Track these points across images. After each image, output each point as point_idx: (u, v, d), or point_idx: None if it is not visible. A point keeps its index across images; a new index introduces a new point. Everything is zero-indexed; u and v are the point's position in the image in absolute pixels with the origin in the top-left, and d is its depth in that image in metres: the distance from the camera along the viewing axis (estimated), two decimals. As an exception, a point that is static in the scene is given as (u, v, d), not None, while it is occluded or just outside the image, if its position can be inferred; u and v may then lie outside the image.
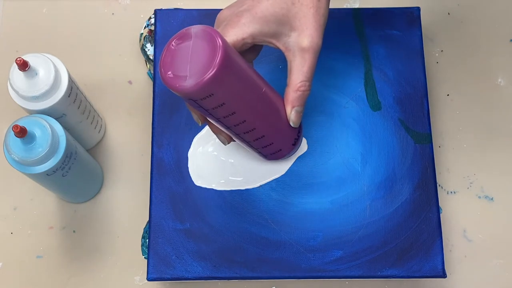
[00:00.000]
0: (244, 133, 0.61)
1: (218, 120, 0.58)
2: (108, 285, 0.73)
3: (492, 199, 0.75)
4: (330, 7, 0.61)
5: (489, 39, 0.80)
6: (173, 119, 0.70)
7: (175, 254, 0.66)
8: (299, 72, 0.59)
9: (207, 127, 0.69)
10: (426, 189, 0.68)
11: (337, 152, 0.69)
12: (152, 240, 0.66)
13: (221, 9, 0.62)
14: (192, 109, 0.60)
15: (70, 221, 0.75)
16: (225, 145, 0.64)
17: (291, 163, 0.69)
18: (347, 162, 0.69)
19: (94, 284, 0.73)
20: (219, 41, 0.53)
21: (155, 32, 0.73)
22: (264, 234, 0.67)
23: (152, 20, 0.78)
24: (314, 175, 0.68)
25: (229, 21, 0.58)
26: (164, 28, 0.73)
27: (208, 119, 0.60)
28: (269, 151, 0.65)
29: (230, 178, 0.68)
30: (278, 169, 0.68)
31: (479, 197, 0.75)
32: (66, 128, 0.66)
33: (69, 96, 0.66)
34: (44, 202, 0.76)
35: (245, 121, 0.59)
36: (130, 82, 0.80)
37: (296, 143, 0.65)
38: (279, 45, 0.59)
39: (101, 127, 0.76)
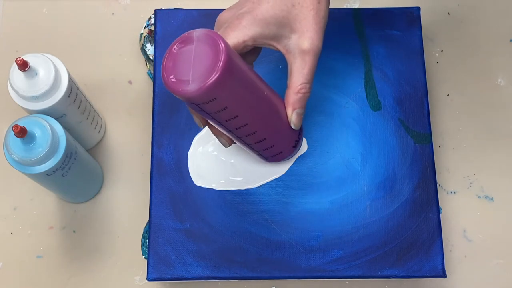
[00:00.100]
0: (246, 136, 0.61)
1: (220, 123, 0.58)
2: (108, 285, 0.73)
3: (492, 199, 0.75)
4: (330, 7, 0.61)
5: (489, 39, 0.81)
6: (173, 119, 0.70)
7: (175, 254, 0.66)
8: (299, 74, 0.59)
9: (207, 127, 0.69)
10: (426, 189, 0.68)
11: (337, 152, 0.69)
12: (152, 240, 0.66)
13: (221, 9, 0.62)
14: (193, 112, 0.60)
15: (70, 221, 0.75)
16: (226, 147, 0.64)
17: (291, 163, 0.69)
18: (347, 162, 0.69)
19: (94, 284, 0.73)
20: (222, 44, 0.53)
21: (155, 32, 0.73)
22: (264, 234, 0.67)
23: (152, 20, 0.78)
24: (314, 175, 0.68)
25: (229, 23, 0.58)
26: (164, 28, 0.73)
27: (210, 121, 0.60)
28: (270, 154, 0.65)
29: (230, 178, 0.68)
30: (278, 169, 0.68)
31: (479, 197, 0.75)
32: (66, 128, 0.66)
33: (69, 96, 0.66)
34: (44, 202, 0.76)
35: (247, 124, 0.59)
36: (130, 82, 0.80)
37: (296, 145, 0.65)
38: (280, 47, 0.59)
39: (101, 127, 0.76)
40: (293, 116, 0.61)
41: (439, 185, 0.75)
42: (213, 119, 0.57)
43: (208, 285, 0.73)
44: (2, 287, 0.73)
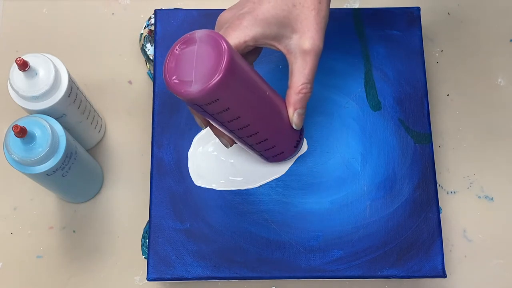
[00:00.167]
0: (247, 136, 0.61)
1: (222, 124, 0.58)
2: (108, 285, 0.73)
3: (492, 199, 0.75)
4: (330, 7, 0.61)
5: (489, 39, 0.81)
6: (173, 119, 0.70)
7: (175, 254, 0.66)
8: (300, 74, 0.59)
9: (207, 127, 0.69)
10: (426, 189, 0.68)
11: (337, 152, 0.69)
12: (152, 240, 0.66)
13: (221, 9, 0.62)
14: (195, 113, 0.60)
15: (70, 221, 0.75)
16: (228, 148, 0.64)
17: (291, 163, 0.69)
18: (347, 162, 0.69)
19: (94, 284, 0.73)
20: (224, 45, 0.52)
21: (155, 32, 0.73)
22: (264, 234, 0.67)
23: (152, 20, 0.78)
24: (314, 175, 0.68)
25: (230, 23, 0.58)
26: (164, 28, 0.73)
27: (211, 122, 0.59)
28: (271, 154, 0.65)
29: (230, 178, 0.68)
30: (278, 169, 0.68)
31: (479, 197, 0.75)
32: (66, 128, 0.66)
33: (69, 96, 0.66)
34: (44, 202, 0.76)
35: (249, 125, 0.59)
36: (130, 82, 0.80)
37: (298, 145, 0.65)
38: (281, 47, 0.59)
39: (101, 127, 0.76)
40: (294, 116, 0.61)
41: (439, 185, 0.75)
42: (215, 120, 0.57)
43: (208, 285, 0.73)
44: (2, 287, 0.73)
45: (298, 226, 0.67)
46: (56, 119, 0.65)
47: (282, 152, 0.65)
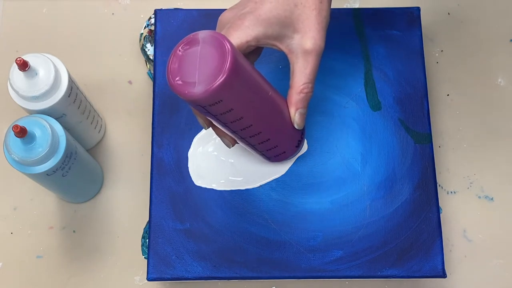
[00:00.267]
0: (250, 136, 0.61)
1: (224, 124, 0.58)
2: (108, 285, 0.73)
3: (492, 199, 0.75)
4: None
5: (489, 39, 0.81)
6: (173, 119, 0.70)
7: (175, 254, 0.66)
8: (302, 74, 0.59)
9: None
10: (426, 189, 0.68)
11: (337, 152, 0.69)
12: (152, 240, 0.66)
13: (221, 9, 0.62)
14: (197, 113, 0.60)
15: (70, 221, 0.75)
16: (230, 147, 0.64)
17: (291, 163, 0.69)
18: (347, 162, 0.69)
19: (94, 284, 0.73)
20: (228, 46, 0.52)
21: (155, 32, 0.73)
22: (264, 234, 0.67)
23: (152, 20, 0.78)
24: (314, 175, 0.68)
25: (232, 23, 0.58)
26: (164, 28, 0.73)
27: (214, 123, 0.59)
28: (273, 154, 0.65)
29: (230, 178, 0.68)
30: (278, 169, 0.68)
31: (479, 197, 0.75)
32: (66, 128, 0.66)
33: (69, 96, 0.66)
34: (44, 202, 0.76)
35: (251, 125, 0.59)
36: (130, 82, 0.80)
37: (299, 145, 0.65)
38: (282, 47, 0.59)
39: (101, 127, 0.76)
40: (296, 116, 0.61)
41: (439, 185, 0.75)
42: (218, 120, 0.57)
43: (208, 285, 0.73)
44: (2, 287, 0.73)
45: (298, 226, 0.67)
46: (56, 119, 0.65)
47: (284, 152, 0.65)
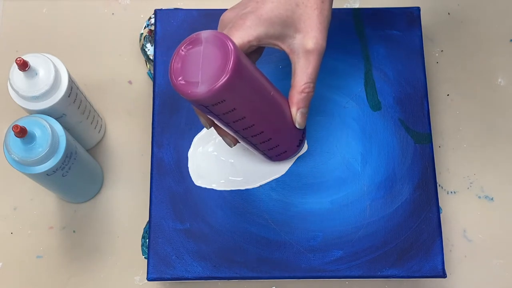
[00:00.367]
0: (252, 136, 0.61)
1: (227, 124, 0.58)
2: (108, 285, 0.73)
3: (492, 199, 0.75)
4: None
5: (489, 39, 0.81)
6: (173, 119, 0.70)
7: (175, 254, 0.66)
8: (303, 74, 0.59)
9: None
10: (426, 189, 0.68)
11: (337, 152, 0.69)
12: (152, 240, 0.66)
13: (221, 9, 0.62)
14: (200, 113, 0.60)
15: (70, 221, 0.75)
16: (231, 147, 0.64)
17: (291, 163, 0.69)
18: (347, 162, 0.69)
19: (94, 284, 0.73)
20: (231, 46, 0.52)
21: (155, 32, 0.73)
22: (264, 234, 0.67)
23: (152, 20, 0.78)
24: (314, 175, 0.68)
25: (234, 23, 0.58)
26: (164, 28, 0.73)
27: (216, 122, 0.59)
28: (275, 153, 0.65)
29: (230, 178, 0.68)
30: (278, 169, 0.68)
31: (479, 197, 0.75)
32: (66, 128, 0.66)
33: (69, 96, 0.66)
34: (44, 202, 0.76)
35: (254, 125, 0.59)
36: (130, 82, 0.80)
37: (300, 145, 0.66)
38: (284, 47, 0.59)
39: (101, 127, 0.76)
40: (297, 115, 0.61)
41: (439, 185, 0.75)
42: (220, 120, 0.57)
43: (208, 285, 0.73)
44: (2, 287, 0.73)
45: (298, 226, 0.67)
46: (56, 119, 0.65)
47: (285, 151, 0.65)
